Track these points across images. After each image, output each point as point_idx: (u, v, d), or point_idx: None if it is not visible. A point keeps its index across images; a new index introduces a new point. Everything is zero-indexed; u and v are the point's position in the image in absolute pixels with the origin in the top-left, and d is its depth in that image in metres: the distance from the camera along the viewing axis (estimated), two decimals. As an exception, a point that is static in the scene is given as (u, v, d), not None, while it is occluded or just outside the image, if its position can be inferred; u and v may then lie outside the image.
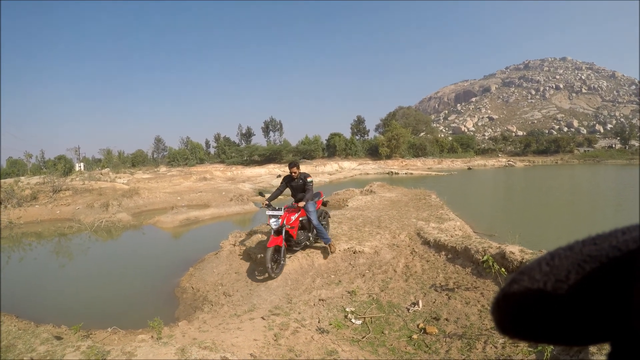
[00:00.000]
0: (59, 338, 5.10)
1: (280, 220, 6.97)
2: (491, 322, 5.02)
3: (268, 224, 7.09)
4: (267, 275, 7.01)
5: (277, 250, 6.99)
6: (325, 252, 8.02)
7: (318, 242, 8.17)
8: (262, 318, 5.60)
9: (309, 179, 7.64)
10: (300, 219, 7.52)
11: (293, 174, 7.67)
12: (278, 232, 6.99)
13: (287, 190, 8.07)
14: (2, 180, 26.10)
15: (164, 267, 9.92)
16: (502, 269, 5.96)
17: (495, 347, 4.54)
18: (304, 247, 7.98)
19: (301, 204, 7.18)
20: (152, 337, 4.98)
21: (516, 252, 6.31)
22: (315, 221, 7.52)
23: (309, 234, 7.87)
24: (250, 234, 9.28)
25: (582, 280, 0.41)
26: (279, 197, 8.15)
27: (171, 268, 9.55)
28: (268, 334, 5.04)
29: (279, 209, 7.19)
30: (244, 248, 8.45)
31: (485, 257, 6.33)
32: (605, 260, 0.40)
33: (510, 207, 19.74)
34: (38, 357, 4.20)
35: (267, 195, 7.89)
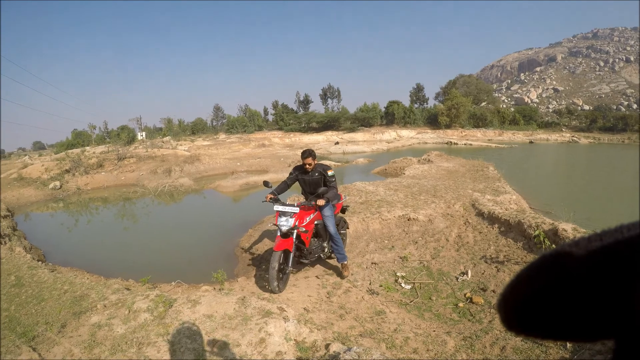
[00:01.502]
0: (128, 289, 5.57)
1: (293, 220, 5.39)
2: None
3: (275, 224, 5.54)
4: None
5: (285, 255, 5.49)
6: (381, 218, 8.19)
7: (333, 258, 6.46)
8: (317, 277, 5.92)
9: (329, 172, 5.85)
10: (316, 222, 5.93)
11: (307, 165, 5.81)
12: (287, 234, 5.43)
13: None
14: (70, 151, 27.76)
15: (224, 228, 10.40)
16: (553, 246, 5.89)
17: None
18: (314, 262, 6.44)
19: (321, 201, 5.52)
20: (214, 288, 5.42)
21: (569, 229, 6.20)
22: (332, 229, 5.88)
23: (323, 243, 6.17)
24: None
25: (587, 276, 0.42)
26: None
27: (231, 229, 10.00)
28: (321, 292, 5.35)
29: (292, 205, 5.58)
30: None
31: (536, 232, 6.28)
32: (610, 256, 0.40)
33: (570, 185, 18.83)
34: (110, 305, 4.59)
35: (273, 187, 6.04)
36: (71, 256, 9.01)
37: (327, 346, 3.60)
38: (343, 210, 6.98)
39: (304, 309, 4.69)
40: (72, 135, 58.49)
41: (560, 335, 0.46)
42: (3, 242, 8.57)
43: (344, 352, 3.25)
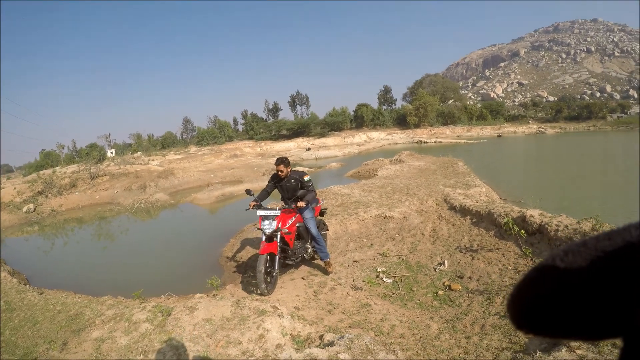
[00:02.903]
0: (121, 304, 5.68)
1: (275, 222, 5.60)
2: (511, 279, 5.46)
3: (259, 228, 5.75)
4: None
5: (270, 258, 5.67)
6: (358, 219, 8.51)
7: (316, 258, 6.83)
8: (302, 278, 6.19)
9: (306, 178, 6.17)
10: (297, 224, 6.17)
11: (280, 172, 6.10)
12: (271, 238, 5.67)
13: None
14: (41, 172, 27.23)
15: (206, 240, 10.51)
16: (522, 231, 6.32)
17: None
18: (298, 263, 6.72)
19: (301, 203, 5.79)
20: (207, 295, 5.63)
21: (536, 215, 6.65)
22: (314, 230, 6.14)
23: (306, 244, 6.42)
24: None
25: (596, 275, 0.41)
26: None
27: (213, 240, 10.11)
28: (308, 291, 5.63)
29: (273, 209, 5.87)
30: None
31: (505, 220, 6.67)
32: (618, 256, 0.40)
33: (538, 175, 19.64)
34: (108, 319, 4.63)
35: (255, 195, 6.33)
36: (55, 279, 8.93)
37: (321, 337, 3.91)
38: (322, 213, 7.20)
39: (295, 307, 4.97)
40: (41, 156, 57.21)
41: (568, 334, 0.46)
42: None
43: (338, 340, 3.56)
